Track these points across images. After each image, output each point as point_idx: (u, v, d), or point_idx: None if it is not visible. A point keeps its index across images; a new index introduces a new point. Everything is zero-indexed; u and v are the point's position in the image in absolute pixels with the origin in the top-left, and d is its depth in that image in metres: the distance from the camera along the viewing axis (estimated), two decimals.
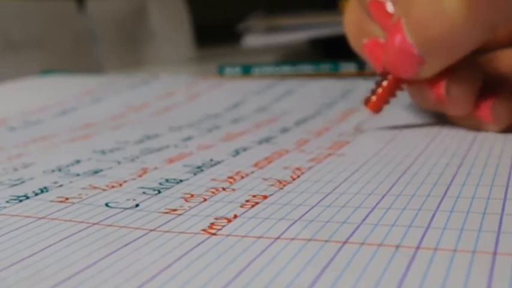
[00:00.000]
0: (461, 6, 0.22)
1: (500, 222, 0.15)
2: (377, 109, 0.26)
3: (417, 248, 0.14)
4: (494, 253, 0.13)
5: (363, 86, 0.38)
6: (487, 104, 0.25)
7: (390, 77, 0.25)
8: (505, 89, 0.25)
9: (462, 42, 0.23)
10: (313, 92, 0.39)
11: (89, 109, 0.37)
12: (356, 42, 0.28)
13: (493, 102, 0.25)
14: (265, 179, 0.20)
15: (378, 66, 0.26)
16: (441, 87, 0.24)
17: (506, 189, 0.18)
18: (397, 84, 0.26)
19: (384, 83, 0.26)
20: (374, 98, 0.26)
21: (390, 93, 0.26)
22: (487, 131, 0.26)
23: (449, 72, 0.24)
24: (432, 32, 0.23)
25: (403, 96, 0.31)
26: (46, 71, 0.50)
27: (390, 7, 0.25)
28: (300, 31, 0.57)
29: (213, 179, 0.21)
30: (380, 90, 0.26)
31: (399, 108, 0.32)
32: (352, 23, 0.28)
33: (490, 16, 0.22)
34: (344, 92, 0.37)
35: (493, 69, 0.26)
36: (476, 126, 0.26)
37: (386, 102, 0.26)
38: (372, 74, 0.43)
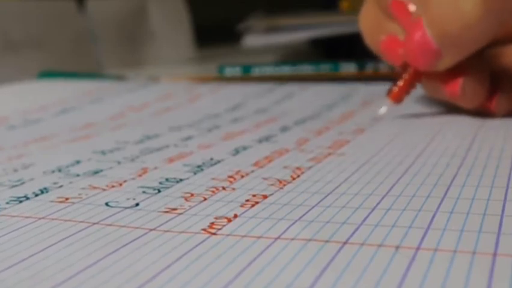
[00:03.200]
0: (476, 6, 0.24)
1: (500, 224, 0.15)
2: (399, 99, 0.28)
3: (418, 248, 0.14)
4: (494, 254, 0.13)
5: (363, 90, 0.38)
6: (492, 96, 0.28)
7: (410, 69, 0.28)
8: (507, 81, 0.29)
9: (475, 38, 0.26)
10: (313, 95, 0.39)
11: (89, 109, 0.37)
12: (372, 39, 0.30)
13: (497, 94, 0.28)
14: (265, 179, 0.20)
15: (395, 61, 0.29)
16: (456, 85, 0.27)
17: (506, 190, 0.18)
18: (417, 76, 0.28)
19: (405, 76, 0.28)
20: (395, 89, 0.28)
21: (411, 84, 0.28)
22: (492, 116, 0.29)
23: (463, 71, 0.27)
24: (449, 28, 0.25)
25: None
26: (45, 72, 0.50)
27: (411, 7, 0.27)
28: (300, 31, 0.57)
29: (213, 178, 0.21)
30: (401, 82, 0.28)
31: (400, 109, 0.32)
32: (369, 21, 0.30)
33: (502, 14, 0.25)
34: (344, 95, 0.37)
35: (497, 63, 0.29)
36: (483, 111, 0.29)
37: (407, 93, 0.28)
38: (372, 75, 0.43)
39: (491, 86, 0.28)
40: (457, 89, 0.27)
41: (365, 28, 0.31)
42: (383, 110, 0.29)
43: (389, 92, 0.28)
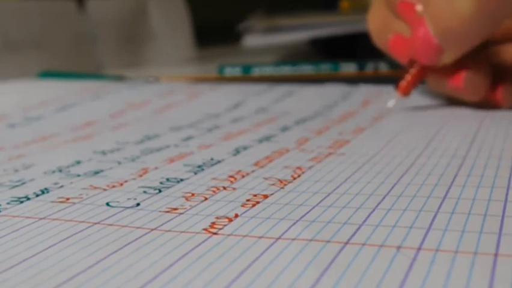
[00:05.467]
0: (470, 4, 0.26)
1: (501, 224, 0.15)
2: (406, 93, 0.30)
3: (419, 249, 0.14)
4: (496, 254, 0.13)
5: (363, 90, 0.38)
6: (497, 89, 0.30)
7: (417, 65, 0.30)
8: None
9: (472, 34, 0.27)
10: (313, 94, 0.39)
11: (89, 105, 0.37)
12: (380, 38, 0.32)
13: (503, 88, 0.30)
14: (265, 178, 0.20)
15: (401, 58, 0.31)
16: (460, 79, 0.29)
17: (507, 190, 0.18)
18: (423, 71, 0.30)
19: (412, 70, 0.30)
20: (403, 83, 0.30)
21: (418, 79, 0.30)
22: (498, 108, 0.30)
23: (466, 66, 0.29)
24: (446, 24, 0.27)
25: (403, 98, 0.31)
26: (45, 72, 0.50)
27: (418, 7, 0.29)
28: (300, 31, 0.57)
29: (214, 178, 0.21)
30: (408, 76, 0.30)
31: (400, 109, 0.32)
32: (377, 21, 0.32)
33: (496, 12, 0.26)
34: (344, 94, 0.37)
35: (501, 60, 0.31)
36: (488, 105, 0.30)
37: (414, 86, 0.30)
38: (372, 75, 0.43)
39: (495, 80, 0.30)
40: (461, 82, 0.29)
41: (373, 28, 0.32)
42: (391, 103, 0.31)
43: (398, 86, 0.30)
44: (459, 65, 0.29)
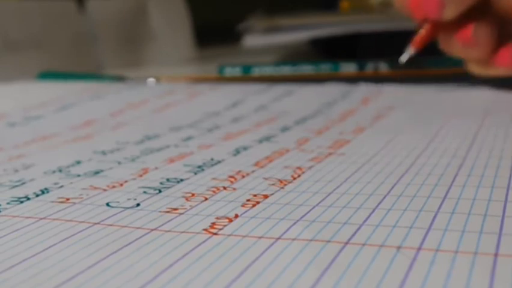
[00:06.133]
0: None
1: (501, 224, 0.15)
2: (419, 47, 0.32)
3: (419, 249, 0.14)
4: (496, 254, 0.13)
5: (363, 88, 0.38)
6: (506, 50, 0.30)
7: (429, 22, 0.31)
8: None
9: None
10: (313, 93, 0.39)
11: (89, 105, 0.37)
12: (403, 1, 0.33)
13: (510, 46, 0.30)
14: (266, 179, 0.20)
15: (418, 15, 0.32)
16: (468, 32, 0.30)
17: (507, 190, 0.18)
18: (434, 28, 0.32)
19: (426, 26, 0.32)
20: (417, 38, 0.32)
21: (430, 35, 0.32)
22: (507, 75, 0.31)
23: (474, 20, 0.30)
24: None
25: (403, 97, 0.31)
26: (45, 72, 0.50)
27: None
28: (300, 31, 0.56)
29: (214, 178, 0.21)
30: (422, 32, 0.32)
31: (400, 109, 0.32)
32: None
33: None
34: (344, 92, 0.37)
35: (508, 18, 0.31)
36: (496, 73, 0.31)
37: (426, 42, 0.32)
38: (372, 75, 0.43)
39: (504, 45, 0.30)
40: (469, 35, 0.30)
41: None
42: (404, 57, 0.33)
43: (412, 41, 0.32)
44: (467, 20, 0.30)
